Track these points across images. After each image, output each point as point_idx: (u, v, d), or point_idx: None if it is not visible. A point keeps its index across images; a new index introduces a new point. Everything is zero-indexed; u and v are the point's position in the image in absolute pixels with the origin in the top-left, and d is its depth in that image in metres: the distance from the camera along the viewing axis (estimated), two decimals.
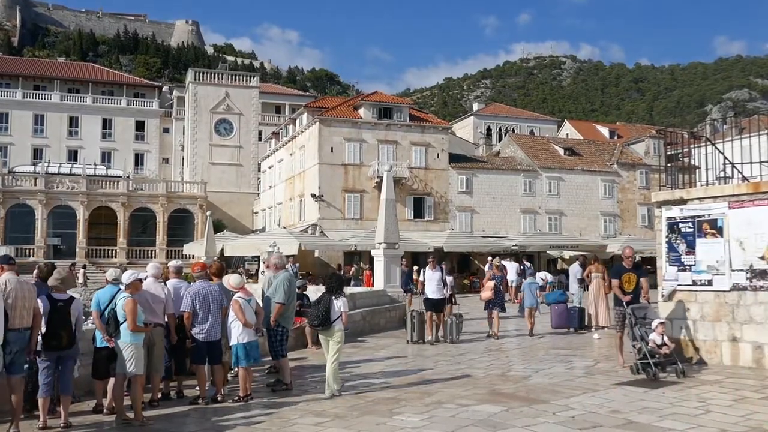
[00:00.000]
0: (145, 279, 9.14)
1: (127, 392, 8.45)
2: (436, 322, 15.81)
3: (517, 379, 10.88)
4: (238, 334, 9.39)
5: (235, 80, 65.88)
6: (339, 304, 9.72)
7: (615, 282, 11.67)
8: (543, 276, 31.96)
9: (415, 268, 32.44)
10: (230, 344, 9.55)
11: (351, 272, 36.28)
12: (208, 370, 9.48)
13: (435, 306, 15.72)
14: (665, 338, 10.96)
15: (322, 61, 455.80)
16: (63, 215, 49.74)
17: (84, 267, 38.96)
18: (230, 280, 9.85)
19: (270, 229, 50.31)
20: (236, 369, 9.69)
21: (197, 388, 9.40)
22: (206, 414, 8.72)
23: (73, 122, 69.62)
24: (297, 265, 29.64)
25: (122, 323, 8.18)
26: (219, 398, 9.28)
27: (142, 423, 8.07)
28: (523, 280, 31.13)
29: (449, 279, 17.10)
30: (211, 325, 9.26)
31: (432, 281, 15.63)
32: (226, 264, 26.84)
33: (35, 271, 8.79)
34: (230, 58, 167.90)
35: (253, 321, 9.50)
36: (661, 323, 11.16)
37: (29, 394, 8.00)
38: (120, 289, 8.81)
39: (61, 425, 7.80)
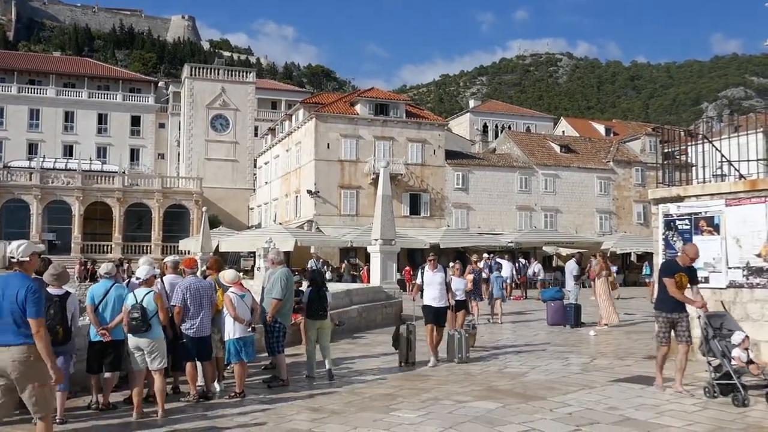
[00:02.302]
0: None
1: (116, 388, 8.44)
2: (438, 337, 12.51)
3: (514, 375, 10.88)
4: (230, 329, 9.41)
5: (232, 76, 65.78)
6: (329, 297, 11.53)
7: (669, 281, 9.38)
8: (536, 269, 31.86)
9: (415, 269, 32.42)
10: (223, 339, 9.57)
11: (342, 268, 36.30)
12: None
13: (437, 316, 12.44)
14: (751, 354, 9.15)
15: (318, 57, 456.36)
16: (58, 210, 49.67)
17: (129, 262, 35.83)
18: (225, 275, 9.85)
19: (266, 225, 50.29)
20: (232, 365, 9.69)
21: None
22: (202, 410, 8.70)
23: (68, 117, 69.40)
24: (320, 260, 29.38)
25: (151, 318, 8.25)
26: (208, 395, 9.26)
27: (141, 416, 8.12)
28: (519, 277, 31.42)
29: (460, 282, 14.01)
30: (202, 321, 9.20)
31: (432, 285, 12.46)
32: (223, 260, 26.82)
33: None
34: (226, 54, 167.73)
35: (247, 317, 9.47)
36: (746, 336, 9.25)
37: None
38: (114, 283, 8.80)
39: (57, 421, 7.77)
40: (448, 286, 12.59)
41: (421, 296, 12.49)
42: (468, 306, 14.44)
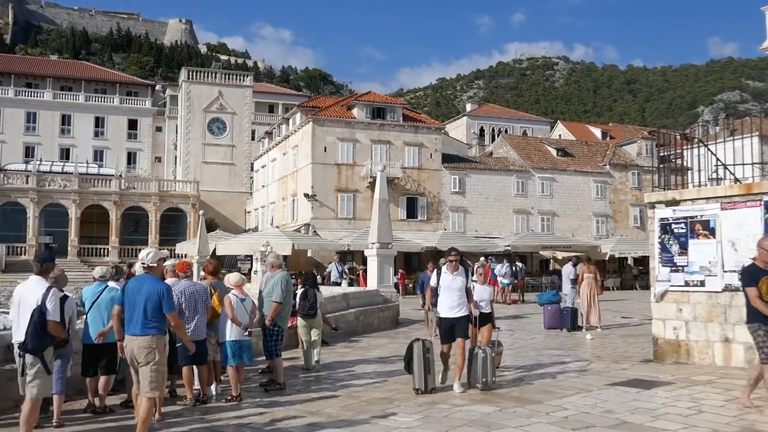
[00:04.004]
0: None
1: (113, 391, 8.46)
2: (461, 354, 10.00)
3: (510, 379, 10.90)
4: (227, 331, 9.45)
5: (229, 79, 65.81)
6: (320, 297, 12.17)
7: (752, 292, 8.16)
8: (504, 270, 30.74)
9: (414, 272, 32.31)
10: (219, 341, 9.60)
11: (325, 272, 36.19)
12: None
13: (454, 329, 9.95)
14: None
15: (315, 60, 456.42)
16: (55, 213, 49.61)
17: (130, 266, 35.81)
18: (230, 278, 9.90)
19: (263, 229, 50.28)
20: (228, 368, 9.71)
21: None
22: (199, 414, 8.70)
23: (65, 120, 69.40)
24: (341, 264, 29.16)
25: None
26: (205, 398, 9.28)
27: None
28: (516, 281, 31.38)
29: (484, 290, 11.61)
30: (197, 325, 9.21)
31: (450, 291, 9.95)
32: (220, 263, 26.78)
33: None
34: (223, 57, 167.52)
35: (245, 321, 9.49)
36: None
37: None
38: (106, 286, 8.82)
39: (54, 424, 7.79)
40: (468, 293, 10.12)
41: (435, 304, 10.19)
42: (494, 319, 11.74)
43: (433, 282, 10.28)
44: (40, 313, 6.86)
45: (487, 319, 11.28)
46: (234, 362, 9.41)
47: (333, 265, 28.85)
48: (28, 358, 6.93)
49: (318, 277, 15.47)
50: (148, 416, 7.01)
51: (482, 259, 29.32)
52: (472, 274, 11.04)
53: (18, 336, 7.09)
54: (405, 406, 8.92)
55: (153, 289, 7.05)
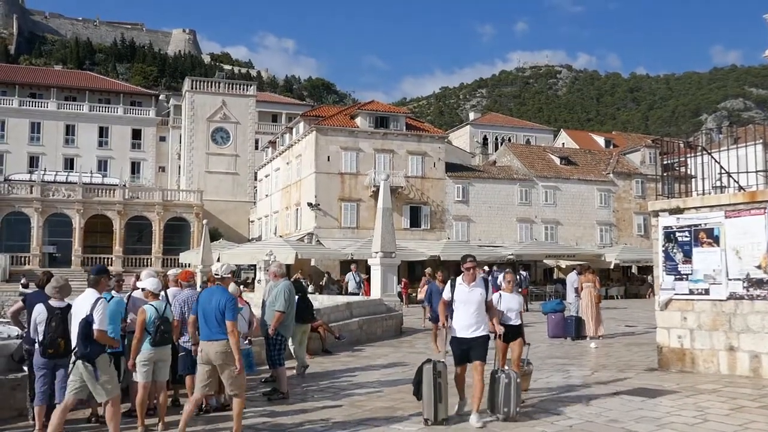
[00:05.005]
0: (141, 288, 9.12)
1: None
2: (479, 380, 8.38)
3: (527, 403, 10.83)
4: None
5: (232, 89, 66.01)
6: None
7: None
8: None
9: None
10: None
11: (323, 281, 36.21)
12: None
13: (469, 351, 8.46)
14: None
15: (318, 70, 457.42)
16: (59, 223, 49.74)
17: (137, 277, 35.60)
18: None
19: (266, 238, 50.27)
20: None
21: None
22: (202, 423, 8.68)
23: (69, 130, 69.60)
24: (358, 274, 29.17)
25: None
26: (207, 408, 9.25)
27: (144, 428, 8.19)
28: (519, 290, 31.34)
29: (513, 299, 10.10)
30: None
31: (467, 306, 8.48)
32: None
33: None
34: (227, 67, 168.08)
35: (243, 330, 9.49)
36: None
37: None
38: (112, 297, 8.81)
39: None
40: (489, 308, 8.73)
41: (450, 318, 8.63)
42: (524, 333, 10.18)
43: (446, 295, 8.73)
44: (86, 323, 7.30)
45: (516, 332, 9.85)
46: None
47: (351, 274, 28.81)
48: (84, 365, 7.30)
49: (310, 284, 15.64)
50: (240, 411, 7.72)
51: (486, 268, 29.36)
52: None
53: (72, 344, 7.53)
54: (408, 415, 8.86)
55: (221, 299, 7.75)
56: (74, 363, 7.32)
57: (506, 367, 8.86)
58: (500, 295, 9.73)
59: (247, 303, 10.67)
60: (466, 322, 8.43)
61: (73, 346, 7.37)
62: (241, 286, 13.35)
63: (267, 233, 54.61)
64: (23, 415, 8.29)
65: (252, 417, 8.94)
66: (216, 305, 7.72)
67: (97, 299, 7.47)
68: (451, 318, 8.59)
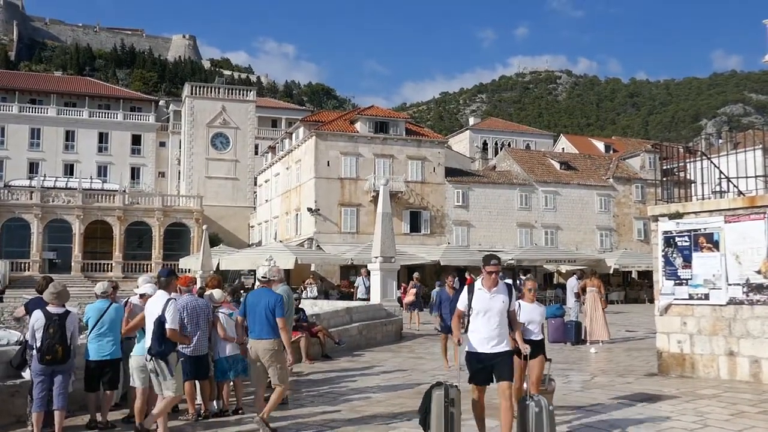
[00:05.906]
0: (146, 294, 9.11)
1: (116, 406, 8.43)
2: (507, 408, 6.94)
3: None
4: (220, 347, 9.59)
5: (232, 94, 66.04)
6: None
7: None
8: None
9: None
10: (214, 359, 9.64)
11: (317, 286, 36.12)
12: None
13: (490, 370, 7.05)
14: None
15: (318, 75, 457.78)
16: (58, 229, 49.70)
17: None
18: (213, 294, 9.92)
19: (266, 243, 50.29)
20: (232, 383, 9.76)
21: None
22: (201, 428, 8.67)
23: (69, 136, 69.59)
24: (368, 279, 28.81)
25: None
26: (206, 413, 9.24)
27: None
28: (519, 295, 31.36)
29: (535, 310, 8.88)
30: (199, 340, 9.20)
31: (488, 316, 7.04)
32: (223, 278, 26.69)
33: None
34: (227, 72, 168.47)
35: (234, 335, 9.50)
36: None
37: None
38: (111, 303, 8.81)
39: None
40: (512, 319, 7.29)
41: (465, 331, 7.18)
42: (545, 349, 8.93)
43: (462, 305, 7.18)
44: (159, 322, 7.74)
45: (537, 348, 8.45)
46: (231, 376, 9.55)
47: (361, 279, 28.63)
48: (156, 362, 7.74)
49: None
50: (278, 399, 8.32)
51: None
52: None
53: (147, 343, 7.97)
54: (408, 420, 8.84)
55: (270, 299, 8.35)
56: (150, 360, 7.76)
57: (536, 395, 7.29)
58: (519, 305, 8.37)
59: None
60: (486, 335, 6.97)
61: (148, 345, 7.81)
62: (242, 291, 13.35)
63: (267, 238, 54.60)
64: (21, 421, 8.27)
65: (251, 422, 8.91)
66: (266, 305, 8.26)
67: (168, 300, 7.90)
68: (466, 330, 7.13)
